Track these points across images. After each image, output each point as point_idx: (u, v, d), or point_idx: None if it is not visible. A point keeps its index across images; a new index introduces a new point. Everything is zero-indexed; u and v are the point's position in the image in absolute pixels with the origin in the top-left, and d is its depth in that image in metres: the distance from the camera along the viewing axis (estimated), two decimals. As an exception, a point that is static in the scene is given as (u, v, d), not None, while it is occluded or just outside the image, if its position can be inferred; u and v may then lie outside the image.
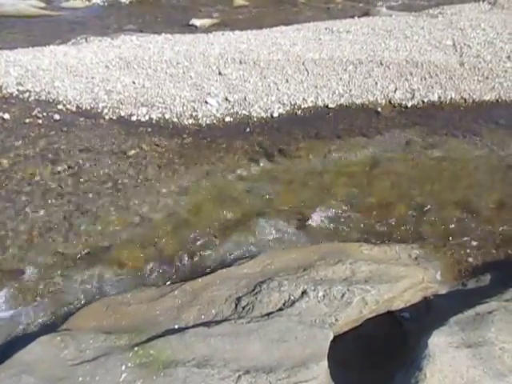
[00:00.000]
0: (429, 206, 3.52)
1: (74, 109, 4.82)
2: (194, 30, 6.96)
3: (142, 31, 6.94)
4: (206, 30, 6.82)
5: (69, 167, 3.98)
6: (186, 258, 3.01)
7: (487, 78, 5.30)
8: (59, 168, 3.96)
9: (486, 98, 5.07)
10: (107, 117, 4.68)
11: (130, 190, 3.68)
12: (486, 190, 3.72)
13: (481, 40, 6.02)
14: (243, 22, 7.23)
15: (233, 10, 8.06)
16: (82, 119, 4.67)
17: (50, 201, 3.57)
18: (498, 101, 5.07)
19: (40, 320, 2.63)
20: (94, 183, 3.77)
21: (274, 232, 3.20)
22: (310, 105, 4.79)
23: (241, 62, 5.22)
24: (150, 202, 3.54)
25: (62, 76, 5.29)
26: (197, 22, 7.20)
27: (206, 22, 7.26)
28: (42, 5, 8.55)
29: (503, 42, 5.99)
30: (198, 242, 3.14)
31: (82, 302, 2.73)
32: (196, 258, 3.00)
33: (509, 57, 5.63)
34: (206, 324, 2.23)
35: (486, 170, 4.00)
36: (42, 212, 3.45)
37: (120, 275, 2.91)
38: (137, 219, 3.37)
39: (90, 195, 3.63)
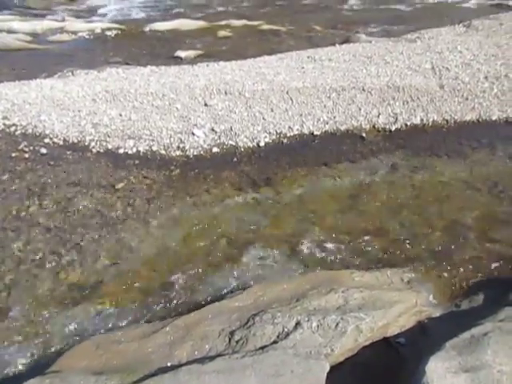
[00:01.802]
0: (418, 229, 3.55)
1: (60, 142, 4.82)
2: (179, 61, 7.06)
3: (128, 64, 7.01)
4: (191, 61, 6.92)
5: (56, 201, 3.95)
6: (177, 292, 2.97)
7: (467, 98, 5.44)
8: (46, 202, 3.93)
9: (467, 118, 5.19)
10: (94, 150, 4.68)
11: (118, 223, 3.66)
12: (473, 209, 3.77)
13: (458, 62, 6.19)
14: (227, 53, 7.36)
15: (217, 41, 8.21)
16: (68, 153, 4.66)
17: (36, 236, 3.53)
18: (478, 120, 5.19)
19: (27, 362, 2.57)
20: (81, 217, 3.75)
21: (264, 262, 3.19)
22: (296, 133, 4.85)
23: (226, 93, 5.29)
24: (138, 235, 3.52)
25: (48, 109, 5.30)
26: (182, 53, 7.31)
27: (191, 53, 7.38)
28: (29, 38, 8.62)
29: (480, 63, 6.17)
30: (189, 275, 3.11)
31: (71, 341, 2.67)
32: (187, 292, 2.97)
33: (486, 77, 5.79)
34: (200, 360, 2.19)
35: (471, 189, 4.06)
36: (28, 247, 3.41)
37: (110, 312, 2.87)
38: (126, 253, 3.34)
39: (78, 229, 3.60)
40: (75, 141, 4.80)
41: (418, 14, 10.25)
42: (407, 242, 3.41)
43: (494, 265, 3.19)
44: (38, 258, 3.31)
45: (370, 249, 3.34)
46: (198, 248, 3.38)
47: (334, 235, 3.47)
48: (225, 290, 2.98)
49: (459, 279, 3.09)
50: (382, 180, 4.18)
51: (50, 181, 4.20)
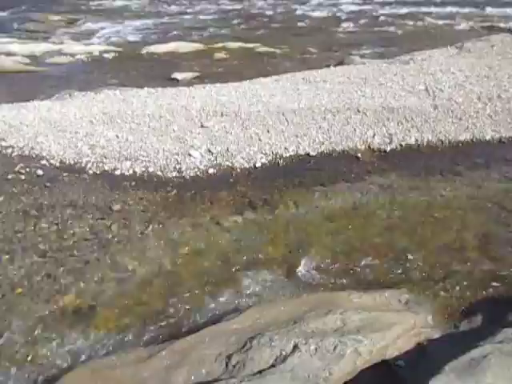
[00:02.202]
0: (415, 249, 3.55)
1: (57, 164, 4.83)
2: (175, 83, 7.14)
3: (125, 85, 7.07)
4: (188, 83, 6.99)
5: (52, 223, 3.93)
6: (174, 315, 2.95)
7: (461, 119, 5.51)
8: (42, 224, 3.91)
9: (462, 138, 5.25)
10: (91, 171, 4.68)
11: (114, 245, 3.64)
12: (470, 229, 3.78)
13: (451, 83, 6.29)
14: (224, 75, 7.45)
15: (213, 63, 8.32)
16: (65, 174, 4.66)
17: (32, 259, 3.50)
18: (472, 140, 5.25)
19: (21, 388, 2.52)
20: (78, 239, 3.73)
21: (262, 284, 3.17)
22: (292, 154, 4.88)
23: (222, 115, 5.34)
24: (135, 257, 3.50)
25: (45, 131, 5.32)
26: (178, 75, 7.40)
27: (188, 75, 7.46)
28: (27, 61, 8.71)
29: (472, 84, 6.27)
30: (185, 298, 3.09)
31: (66, 366, 2.63)
32: (184, 315, 2.94)
33: (479, 98, 5.87)
34: (197, 386, 2.16)
35: (468, 209, 4.08)
36: (23, 271, 3.37)
37: (105, 336, 2.83)
38: (122, 276, 3.31)
39: (74, 252, 3.58)
40: (72, 162, 4.81)
41: (410, 37, 10.44)
42: (404, 262, 3.40)
43: (491, 285, 3.19)
44: (32, 281, 3.28)
45: (367, 269, 3.33)
46: (194, 270, 3.36)
47: (331, 256, 3.46)
48: (222, 313, 2.95)
49: (457, 299, 3.08)
50: (378, 200, 4.20)
51: (46, 202, 4.19)
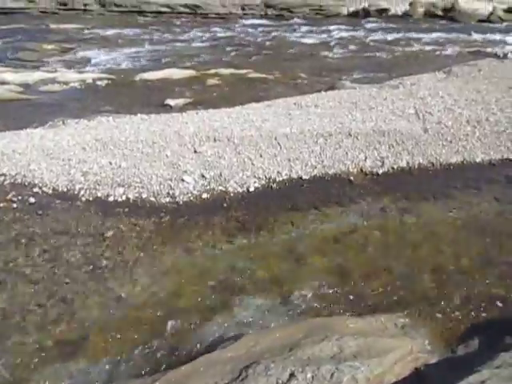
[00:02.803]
0: (409, 272, 3.55)
1: (49, 191, 4.80)
2: (169, 109, 7.19)
3: (118, 112, 7.11)
4: (181, 109, 7.05)
5: (44, 252, 3.89)
6: (168, 344, 2.89)
7: (451, 142, 5.58)
8: (34, 253, 3.87)
9: (452, 160, 5.31)
10: (84, 198, 4.66)
11: (107, 273, 3.60)
12: (465, 252, 3.79)
13: (440, 107, 6.39)
14: (216, 101, 7.53)
15: (206, 89, 8.42)
16: (57, 202, 4.63)
17: (22, 288, 3.44)
18: (463, 163, 5.31)
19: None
20: (70, 267, 3.68)
21: (257, 310, 3.14)
22: (285, 177, 4.91)
23: (215, 140, 5.37)
24: (128, 284, 3.46)
25: (38, 159, 5.30)
26: (171, 101, 7.46)
27: (181, 101, 7.53)
28: (20, 89, 8.75)
29: (461, 107, 6.37)
30: (179, 326, 3.04)
31: (57, 399, 2.56)
32: (178, 343, 2.89)
33: (468, 121, 5.97)
34: (191, 418, 2.10)
35: (461, 232, 4.10)
36: (13, 300, 3.31)
37: (97, 367, 2.77)
38: (115, 304, 3.27)
39: (66, 280, 3.53)
40: (64, 189, 4.79)
41: (399, 62, 10.66)
42: (399, 286, 3.39)
43: (487, 308, 3.18)
44: (23, 311, 3.22)
45: (362, 293, 3.31)
46: (188, 297, 3.32)
47: (326, 280, 3.44)
48: (216, 340, 2.90)
49: (454, 323, 3.06)
50: (371, 223, 4.21)
51: (37, 231, 4.15)
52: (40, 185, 4.87)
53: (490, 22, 16.15)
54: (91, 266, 3.68)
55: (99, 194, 4.69)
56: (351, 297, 3.28)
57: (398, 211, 4.39)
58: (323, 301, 3.24)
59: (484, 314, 3.13)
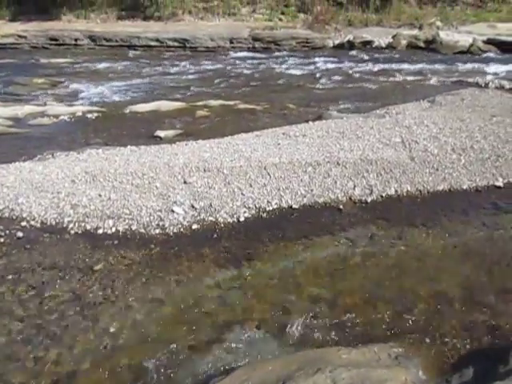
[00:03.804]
0: (401, 301, 3.54)
1: (38, 225, 4.75)
2: (158, 141, 7.23)
3: (108, 144, 7.13)
4: (171, 140, 7.09)
5: (31, 287, 3.82)
6: (158, 380, 2.83)
7: (437, 169, 5.68)
8: (20, 289, 3.80)
9: (440, 188, 5.39)
10: (73, 231, 4.62)
11: (96, 307, 3.54)
12: (455, 279, 3.81)
13: (426, 136, 6.52)
14: (206, 132, 7.60)
15: (195, 121, 8.49)
16: (46, 235, 4.59)
17: (8, 325, 3.36)
18: (450, 190, 5.39)
19: None
20: (57, 303, 3.62)
21: (248, 343, 3.09)
22: (275, 207, 4.93)
23: (205, 170, 5.40)
24: (117, 319, 3.40)
25: (26, 192, 5.27)
26: (161, 133, 7.51)
27: (170, 132, 7.59)
28: (10, 123, 8.75)
29: (446, 136, 6.51)
30: (170, 360, 2.98)
31: None
32: (169, 379, 2.83)
33: (453, 149, 6.09)
34: None
35: (451, 259, 4.12)
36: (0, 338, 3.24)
37: (85, 406, 2.69)
38: (104, 340, 3.20)
39: (54, 316, 3.46)
40: (53, 223, 4.75)
41: (384, 91, 10.90)
42: (392, 315, 3.38)
43: (480, 336, 3.17)
44: (9, 349, 3.14)
45: (355, 323, 3.29)
46: (179, 330, 3.27)
47: (318, 310, 3.42)
48: (208, 375, 2.85)
49: (447, 352, 3.05)
50: (361, 252, 4.22)
51: (25, 265, 4.09)
52: (28, 218, 4.83)
53: (471, 53, 16.65)
54: (79, 301, 3.62)
55: (88, 227, 4.66)
56: (343, 327, 3.25)
57: (388, 239, 4.42)
58: (315, 331, 3.21)
59: (477, 343, 3.12)
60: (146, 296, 3.65)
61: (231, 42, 19.05)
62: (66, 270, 4.02)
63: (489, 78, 11.72)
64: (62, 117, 9.01)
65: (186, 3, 22.08)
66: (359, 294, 3.61)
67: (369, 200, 5.10)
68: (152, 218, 4.74)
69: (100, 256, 4.20)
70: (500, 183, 5.49)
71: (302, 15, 21.67)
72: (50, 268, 4.06)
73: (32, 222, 4.78)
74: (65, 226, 4.70)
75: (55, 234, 4.60)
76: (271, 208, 4.91)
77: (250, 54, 17.55)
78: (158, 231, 4.56)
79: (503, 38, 17.31)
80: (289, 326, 3.25)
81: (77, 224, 4.71)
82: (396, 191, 5.26)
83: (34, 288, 3.80)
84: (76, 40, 20.04)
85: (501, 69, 13.30)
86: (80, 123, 8.73)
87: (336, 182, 5.30)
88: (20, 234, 4.57)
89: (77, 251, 4.30)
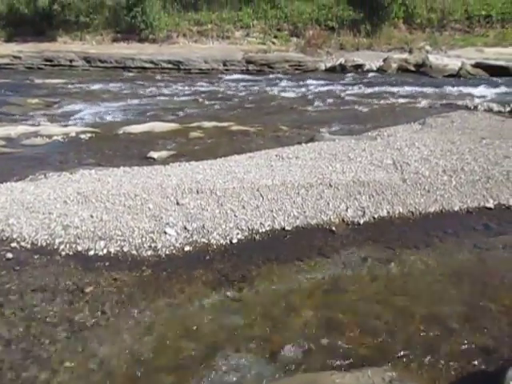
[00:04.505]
0: (395, 323, 3.52)
1: (28, 246, 4.70)
2: (151, 162, 7.24)
3: (101, 165, 7.12)
4: (164, 161, 7.10)
5: (19, 310, 3.76)
6: (148, 407, 2.77)
7: (429, 191, 5.72)
8: (8, 311, 3.73)
9: (431, 209, 5.43)
10: (63, 253, 4.58)
11: (86, 331, 3.48)
12: (450, 301, 3.80)
13: (417, 157, 6.59)
14: (199, 153, 7.62)
15: (189, 142, 8.53)
16: (36, 257, 4.54)
17: (-5, 349, 3.30)
18: (442, 211, 5.43)
19: None
20: (46, 326, 3.55)
21: (241, 367, 3.05)
22: (268, 228, 4.92)
23: (198, 192, 5.40)
24: (108, 342, 3.34)
25: (17, 213, 5.23)
26: (154, 154, 7.53)
27: (164, 154, 7.60)
28: (2, 143, 8.73)
29: (437, 158, 6.58)
30: (161, 386, 2.93)
31: None
32: (158, 406, 2.77)
33: (444, 171, 6.15)
34: None
35: (445, 281, 4.12)
36: (-15, 363, 3.17)
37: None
38: (94, 364, 3.13)
39: (42, 340, 3.39)
40: (44, 244, 4.71)
41: (375, 114, 11.05)
42: (386, 337, 3.35)
43: (474, 359, 3.15)
44: (-5, 373, 3.07)
45: (348, 347, 3.26)
46: (171, 355, 3.21)
47: (311, 333, 3.39)
48: (199, 401, 2.79)
49: (442, 376, 3.02)
50: (355, 274, 4.21)
51: (14, 287, 4.02)
52: (18, 239, 4.78)
53: (460, 76, 17.01)
54: (69, 324, 3.56)
55: (80, 248, 4.62)
56: (337, 350, 3.22)
57: (381, 261, 4.41)
58: (309, 356, 3.17)
59: (471, 366, 3.10)
60: (137, 319, 3.59)
61: (225, 65, 19.31)
62: (55, 293, 3.96)
63: (478, 100, 11.94)
64: (55, 137, 9.01)
65: (181, 26, 22.45)
66: (353, 317, 3.59)
67: (361, 221, 5.12)
68: (144, 239, 4.71)
69: (91, 278, 4.16)
70: (491, 204, 5.54)
71: (294, 39, 22.09)
72: (40, 290, 4.01)
73: (22, 243, 4.73)
74: (56, 247, 4.66)
75: (46, 255, 4.55)
76: (264, 230, 4.91)
77: (244, 77, 17.78)
78: (149, 253, 4.53)
79: (491, 62, 17.73)
80: (282, 350, 3.21)
81: (68, 245, 4.67)
82: (388, 213, 5.28)
83: (22, 311, 3.73)
84: (71, 61, 20.21)
85: (489, 92, 13.59)
86: (73, 143, 8.73)
87: (329, 204, 5.32)
88: (10, 256, 4.52)
89: (67, 273, 4.25)
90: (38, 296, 3.93)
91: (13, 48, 20.90)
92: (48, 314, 3.68)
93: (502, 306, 3.74)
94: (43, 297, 3.91)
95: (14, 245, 4.70)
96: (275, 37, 22.19)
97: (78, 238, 4.77)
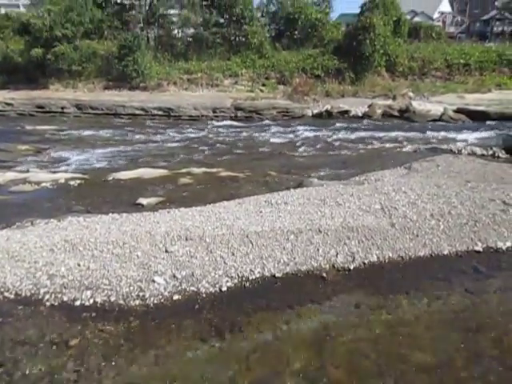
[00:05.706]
0: (387, 371, 3.45)
1: (12, 296, 4.59)
2: (140, 208, 7.22)
3: (89, 212, 7.08)
4: (153, 208, 7.09)
5: (0, 365, 3.62)
6: None
7: (417, 235, 5.75)
8: (-11, 366, 3.59)
9: (421, 253, 5.44)
10: (48, 303, 4.46)
11: (69, 387, 3.34)
12: (440, 347, 3.76)
13: (405, 202, 6.67)
14: (188, 199, 7.64)
15: (178, 188, 8.55)
16: (20, 307, 4.42)
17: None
18: (431, 255, 5.44)
19: None
20: (28, 381, 3.41)
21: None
22: (258, 276, 4.87)
23: (187, 239, 5.37)
24: (91, 399, 3.21)
25: (1, 262, 5.14)
26: (143, 200, 7.52)
27: (153, 200, 7.60)
28: (-10, 189, 8.69)
29: (424, 202, 6.67)
30: None
31: None
32: None
33: (432, 215, 6.21)
34: None
35: (434, 327, 4.08)
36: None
37: None
38: (76, 424, 3.00)
39: (23, 397, 3.25)
40: (28, 294, 4.59)
41: (362, 159, 11.24)
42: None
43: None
44: None
45: (341, 399, 3.17)
46: (157, 411, 3.09)
47: (302, 382, 3.30)
48: None
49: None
50: (346, 321, 4.15)
51: (-5, 341, 3.89)
52: (2, 290, 4.66)
53: (442, 121, 17.54)
54: (52, 379, 3.43)
55: (65, 298, 4.51)
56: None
57: (372, 307, 4.37)
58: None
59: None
60: (123, 372, 3.48)
61: (214, 112, 19.69)
62: (39, 346, 3.84)
63: (461, 144, 12.26)
64: (44, 183, 8.98)
65: (171, 75, 23.01)
66: (344, 365, 3.51)
67: (351, 267, 5.10)
68: (132, 288, 4.62)
69: (76, 330, 4.04)
70: (479, 248, 5.58)
71: (281, 87, 22.72)
72: (23, 343, 3.88)
73: (5, 294, 4.61)
74: (40, 297, 4.55)
75: (30, 306, 4.43)
76: (254, 277, 4.85)
77: (233, 123, 18.10)
78: (137, 302, 4.43)
79: (472, 108, 18.36)
80: (273, 403, 3.11)
81: (53, 295, 4.56)
82: (378, 258, 5.28)
83: (2, 365, 3.60)
84: (62, 108, 20.46)
85: (471, 136, 13.97)
86: (62, 190, 8.70)
87: (318, 250, 5.31)
88: (-8, 307, 4.39)
89: (52, 325, 4.13)
90: (20, 350, 3.79)
91: (5, 95, 21.16)
92: (30, 369, 3.55)
93: (495, 352, 3.69)
94: (26, 350, 3.78)
95: (-3, 295, 4.58)
96: (263, 85, 22.84)
97: (64, 287, 4.67)
